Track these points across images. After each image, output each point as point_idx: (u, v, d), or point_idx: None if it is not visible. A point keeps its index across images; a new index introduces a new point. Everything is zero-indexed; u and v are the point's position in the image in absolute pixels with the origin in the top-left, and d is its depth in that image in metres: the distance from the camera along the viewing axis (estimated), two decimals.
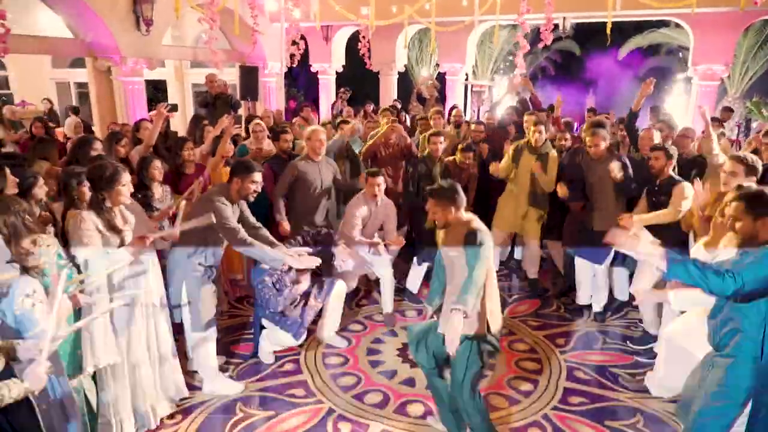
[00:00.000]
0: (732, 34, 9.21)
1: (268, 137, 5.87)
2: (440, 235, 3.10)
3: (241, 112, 9.93)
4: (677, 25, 12.32)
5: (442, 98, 9.80)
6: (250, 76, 9.65)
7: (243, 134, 6.63)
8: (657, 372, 3.62)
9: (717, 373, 2.47)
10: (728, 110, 9.48)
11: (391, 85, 11.95)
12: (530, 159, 4.94)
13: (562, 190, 4.67)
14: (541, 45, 5.99)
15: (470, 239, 2.79)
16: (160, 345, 3.33)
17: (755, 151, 4.96)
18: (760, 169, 3.43)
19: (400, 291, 5.15)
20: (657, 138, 4.76)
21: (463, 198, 2.98)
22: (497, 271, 5.72)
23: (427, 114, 8.29)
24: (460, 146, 5.36)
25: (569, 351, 4.30)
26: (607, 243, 2.47)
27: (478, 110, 10.30)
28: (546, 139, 5.01)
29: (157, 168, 4.09)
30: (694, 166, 4.76)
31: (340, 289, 4.14)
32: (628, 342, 4.38)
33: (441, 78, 11.93)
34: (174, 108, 4.43)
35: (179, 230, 3.16)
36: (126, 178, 3.01)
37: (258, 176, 3.52)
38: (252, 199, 3.61)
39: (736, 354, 2.41)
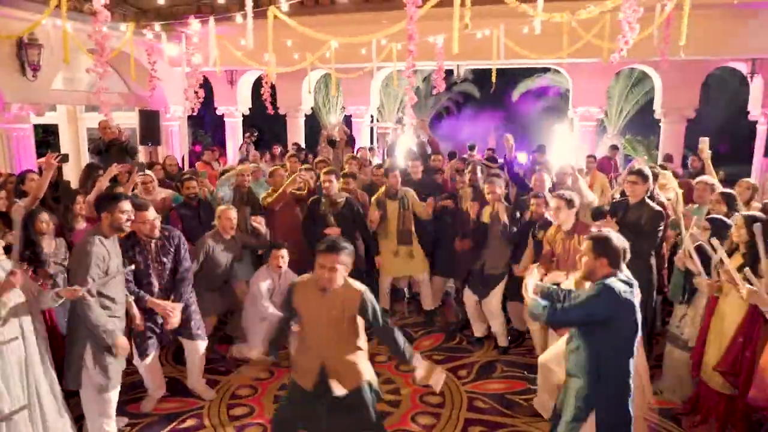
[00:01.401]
0: (603, 80, 10.30)
1: (177, 185, 5.78)
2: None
3: (143, 157, 9.62)
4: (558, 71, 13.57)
5: (352, 141, 10.08)
6: (150, 120, 9.41)
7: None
8: (540, 395, 3.91)
9: (569, 395, 2.80)
10: (614, 148, 10.50)
11: (298, 127, 12.09)
12: (393, 204, 5.37)
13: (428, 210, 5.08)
14: (435, 92, 6.36)
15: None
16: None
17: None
18: (577, 201, 4.10)
19: None
20: (548, 182, 5.20)
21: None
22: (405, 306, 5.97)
23: (339, 156, 8.50)
24: (343, 173, 5.73)
25: (470, 382, 4.50)
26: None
27: (384, 152, 10.66)
28: (397, 184, 5.44)
29: (44, 221, 3.90)
30: None
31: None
32: (524, 372, 4.65)
33: (347, 120, 12.26)
34: (65, 158, 4.21)
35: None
36: None
37: (126, 205, 3.44)
38: (127, 230, 3.53)
39: (579, 375, 2.74)
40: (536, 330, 4.53)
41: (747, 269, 3.25)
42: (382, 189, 5.55)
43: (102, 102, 4.63)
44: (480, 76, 18.26)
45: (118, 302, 3.51)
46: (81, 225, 4.50)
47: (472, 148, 9.11)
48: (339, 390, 2.97)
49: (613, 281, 2.65)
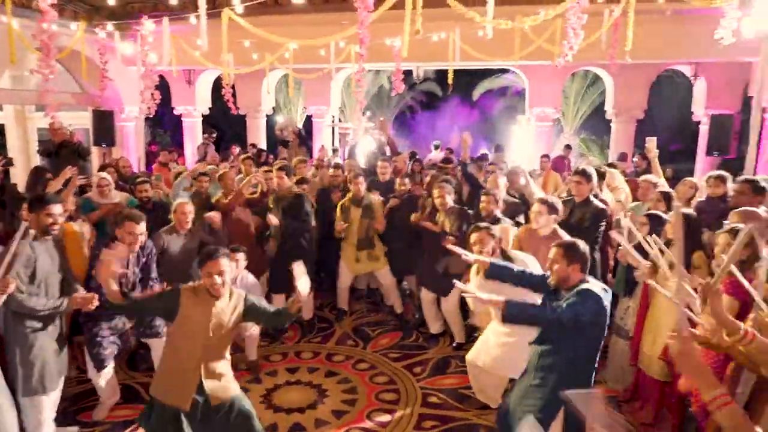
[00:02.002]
0: (557, 82, 10.62)
1: (131, 188, 5.70)
2: None
3: (97, 158, 9.40)
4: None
5: (308, 140, 10.09)
6: (104, 120, 9.22)
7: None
8: (475, 389, 4.08)
9: (532, 400, 2.85)
10: (568, 147, 10.83)
11: (259, 127, 12.01)
12: (357, 212, 5.45)
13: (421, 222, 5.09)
14: (393, 93, 6.45)
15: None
16: None
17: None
18: (561, 208, 4.08)
19: (266, 335, 5.18)
20: (503, 182, 5.34)
21: None
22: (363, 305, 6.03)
23: (292, 156, 8.50)
24: (296, 179, 5.79)
25: (425, 378, 4.61)
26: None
27: (344, 152, 10.70)
28: (365, 191, 5.54)
29: None
30: (522, 203, 5.45)
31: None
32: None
33: (309, 120, 12.25)
34: (9, 162, 4.11)
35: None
36: None
37: (54, 208, 3.41)
38: (54, 234, 3.48)
39: (548, 373, 2.80)
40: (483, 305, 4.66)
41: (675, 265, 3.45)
42: (349, 195, 5.59)
43: (48, 104, 4.52)
44: (442, 76, 18.49)
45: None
46: None
47: (437, 147, 9.26)
48: (215, 401, 2.96)
49: (592, 286, 2.73)
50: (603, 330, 2.80)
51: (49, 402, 3.49)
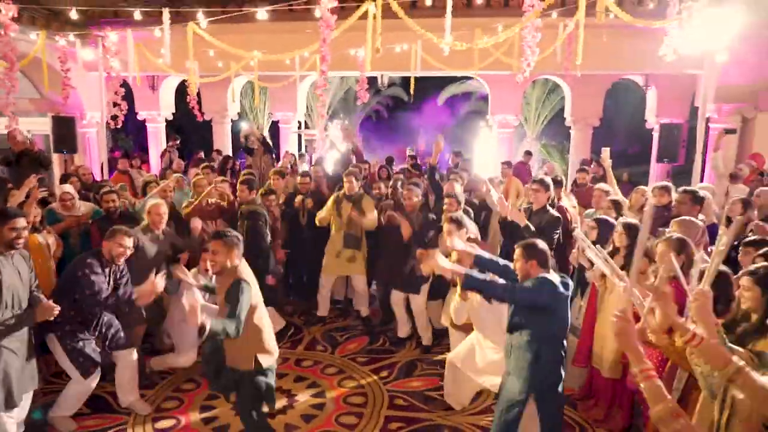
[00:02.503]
0: (518, 90, 10.95)
1: (95, 197, 5.67)
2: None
3: (57, 167, 9.22)
4: None
5: (274, 145, 10.13)
6: (65, 126, 9.05)
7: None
8: (446, 389, 4.26)
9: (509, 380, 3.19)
10: (528, 154, 11.15)
11: (225, 132, 11.97)
12: (348, 206, 5.53)
13: (406, 231, 5.20)
14: (359, 102, 6.59)
15: (234, 287, 3.26)
16: None
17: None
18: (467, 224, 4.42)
19: None
20: (458, 189, 5.58)
21: (241, 247, 3.44)
22: (331, 311, 6.14)
23: (257, 163, 8.54)
24: (261, 190, 5.85)
25: (391, 381, 4.77)
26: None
27: (311, 158, 10.79)
28: (360, 186, 5.67)
29: None
30: (483, 209, 5.68)
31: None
32: (438, 367, 4.97)
33: (275, 126, 12.28)
34: None
35: None
36: None
37: (18, 222, 3.43)
38: (18, 248, 3.48)
39: (519, 356, 3.12)
40: (453, 332, 4.86)
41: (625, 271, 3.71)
42: (343, 190, 5.72)
43: (10, 116, 4.50)
44: (408, 81, 18.81)
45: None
46: None
47: (413, 157, 9.45)
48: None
49: (551, 274, 3.08)
50: (565, 314, 3.13)
51: (13, 419, 3.48)
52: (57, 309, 3.47)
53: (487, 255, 3.54)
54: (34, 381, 3.65)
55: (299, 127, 11.94)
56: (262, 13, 5.26)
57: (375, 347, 5.48)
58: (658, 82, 10.17)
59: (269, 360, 3.52)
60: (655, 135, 10.27)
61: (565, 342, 3.18)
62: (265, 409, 3.66)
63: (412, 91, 7.48)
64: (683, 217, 3.74)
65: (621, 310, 2.01)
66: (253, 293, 3.37)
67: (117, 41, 6.40)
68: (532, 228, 4.32)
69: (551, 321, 3.09)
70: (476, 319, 3.88)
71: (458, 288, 3.73)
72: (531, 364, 3.07)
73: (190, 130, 15.87)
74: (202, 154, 10.13)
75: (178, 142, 10.26)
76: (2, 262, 3.40)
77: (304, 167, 9.96)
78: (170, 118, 12.13)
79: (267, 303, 3.72)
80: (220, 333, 3.08)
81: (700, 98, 8.72)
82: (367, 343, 5.56)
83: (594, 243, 4.24)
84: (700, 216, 4.13)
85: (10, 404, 3.42)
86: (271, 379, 3.57)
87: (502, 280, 3.26)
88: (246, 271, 3.43)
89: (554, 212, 4.68)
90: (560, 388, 3.15)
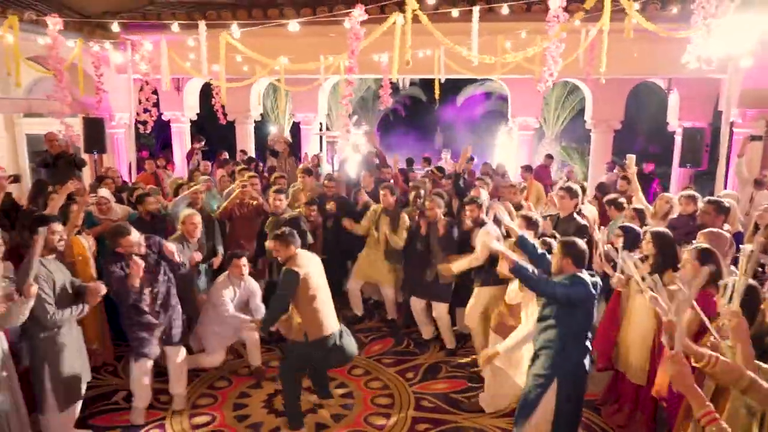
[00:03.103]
0: (539, 93, 10.90)
1: (128, 198, 5.87)
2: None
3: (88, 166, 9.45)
4: None
5: (296, 147, 10.33)
6: (95, 127, 9.29)
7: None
8: (487, 392, 4.35)
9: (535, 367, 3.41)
10: (549, 157, 11.17)
11: (248, 133, 12.15)
12: (386, 220, 5.69)
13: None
14: (382, 106, 6.71)
15: (283, 274, 3.95)
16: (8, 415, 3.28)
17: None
18: (540, 221, 4.45)
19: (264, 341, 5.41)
20: (485, 195, 5.66)
21: (299, 240, 4.09)
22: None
23: (282, 165, 8.71)
24: (303, 200, 5.99)
25: (417, 383, 4.89)
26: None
27: (333, 159, 10.93)
28: (395, 200, 5.78)
29: None
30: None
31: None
32: (467, 368, 5.08)
33: (296, 127, 12.43)
34: (17, 179, 4.28)
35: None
36: None
37: (57, 226, 3.67)
38: (61, 249, 3.72)
39: (546, 347, 3.33)
40: (477, 333, 4.97)
41: (655, 276, 3.77)
42: (381, 205, 5.84)
43: (66, 125, 4.74)
44: (427, 81, 18.86)
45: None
46: None
47: (427, 161, 9.56)
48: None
49: (584, 274, 3.28)
50: (592, 312, 3.35)
51: (75, 413, 3.71)
52: (104, 289, 3.73)
53: (530, 240, 3.81)
54: (88, 373, 3.86)
55: (320, 129, 12.08)
56: (293, 25, 5.38)
57: (400, 349, 5.60)
58: (681, 85, 10.12)
59: (317, 335, 3.99)
60: (678, 138, 10.23)
61: (589, 335, 3.38)
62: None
63: (437, 96, 7.54)
64: (711, 229, 3.80)
65: (674, 354, 2.06)
66: (309, 278, 3.95)
67: (145, 45, 6.57)
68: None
69: (579, 316, 3.31)
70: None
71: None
72: (558, 353, 3.30)
73: (212, 131, 16.10)
74: (226, 155, 10.32)
75: (203, 143, 10.45)
76: (50, 264, 3.59)
77: (325, 166, 10.15)
78: (194, 118, 12.35)
79: None
80: (269, 321, 4.13)
81: (723, 102, 8.71)
82: (392, 345, 5.68)
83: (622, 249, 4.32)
84: (726, 225, 4.17)
85: (76, 397, 3.65)
86: (320, 355, 4.06)
87: (544, 275, 3.48)
88: (301, 261, 4.00)
89: (581, 220, 4.75)
90: (584, 381, 3.38)
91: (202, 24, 5.02)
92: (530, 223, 4.36)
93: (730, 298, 2.47)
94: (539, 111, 11.32)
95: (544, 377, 3.34)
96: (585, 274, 3.29)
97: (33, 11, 7.46)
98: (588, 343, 3.38)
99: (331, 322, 4.06)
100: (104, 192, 5.56)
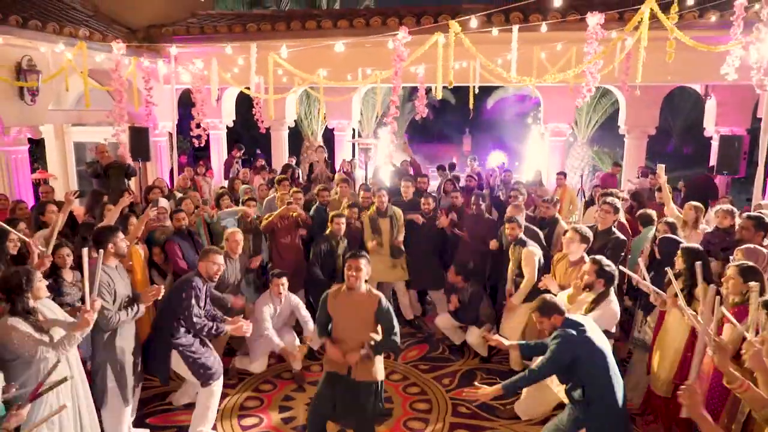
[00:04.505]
0: (572, 98, 10.90)
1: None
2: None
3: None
4: None
5: (329, 152, 10.65)
6: (140, 136, 9.68)
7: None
8: (523, 400, 4.48)
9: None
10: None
11: (283, 139, 12.47)
12: (385, 222, 5.99)
13: None
14: (417, 117, 6.88)
15: (384, 308, 3.71)
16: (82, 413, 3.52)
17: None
18: (591, 237, 4.51)
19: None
20: (522, 208, 5.78)
21: None
22: None
23: (319, 176, 8.94)
24: (346, 203, 6.32)
25: (453, 389, 5.04)
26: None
27: (366, 166, 11.11)
28: (388, 203, 6.09)
29: (65, 255, 4.32)
30: (548, 224, 5.88)
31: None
32: (497, 378, 5.20)
33: (329, 133, 12.69)
34: (82, 194, 4.62)
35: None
36: (38, 275, 3.27)
37: (121, 235, 3.99)
38: (124, 256, 4.07)
39: (573, 404, 3.40)
40: (515, 348, 5.09)
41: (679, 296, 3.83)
42: (372, 209, 6.13)
43: (121, 143, 5.08)
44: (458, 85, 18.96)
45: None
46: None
47: (442, 168, 9.67)
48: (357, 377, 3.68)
49: (567, 329, 3.30)
50: (598, 354, 3.28)
51: (129, 410, 3.98)
52: (161, 290, 4.00)
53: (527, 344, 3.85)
54: (141, 377, 4.14)
55: (354, 137, 12.29)
56: (339, 46, 5.61)
57: (435, 355, 5.76)
58: (718, 90, 10.00)
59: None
60: (714, 144, 10.10)
61: (612, 374, 3.32)
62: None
63: (471, 105, 7.67)
64: (749, 245, 3.84)
65: (689, 384, 2.26)
66: None
67: (197, 63, 6.89)
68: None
69: (587, 366, 3.26)
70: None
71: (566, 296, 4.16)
72: (582, 409, 3.32)
73: (246, 137, 16.53)
74: (263, 162, 10.62)
75: (243, 152, 10.77)
76: (111, 272, 3.87)
77: (358, 172, 10.35)
78: (231, 125, 12.72)
79: None
80: (390, 348, 3.83)
81: (764, 108, 8.56)
82: (427, 351, 5.84)
83: (659, 262, 4.39)
84: (765, 240, 4.19)
85: (132, 393, 3.96)
86: None
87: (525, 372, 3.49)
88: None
89: (620, 235, 4.78)
90: (617, 427, 3.33)
91: (253, 46, 5.30)
92: (583, 238, 4.51)
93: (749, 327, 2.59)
94: (572, 117, 11.31)
95: (574, 422, 3.37)
96: (569, 326, 3.31)
97: (86, 28, 7.86)
98: (616, 382, 3.31)
99: None
100: (163, 201, 5.86)
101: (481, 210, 6.26)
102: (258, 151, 17.41)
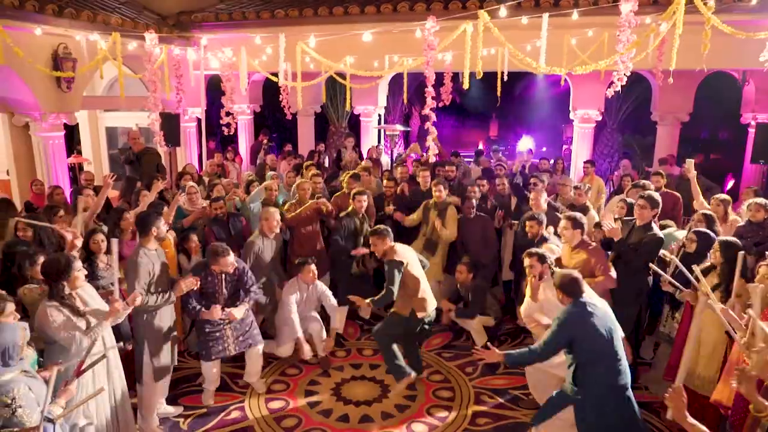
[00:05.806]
0: (602, 85, 10.70)
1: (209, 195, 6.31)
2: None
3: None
4: None
5: (356, 138, 10.73)
6: (170, 123, 9.85)
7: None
8: (543, 389, 4.49)
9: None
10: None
11: (309, 126, 12.56)
12: (434, 214, 5.91)
13: None
14: (441, 104, 6.84)
15: (388, 265, 4.50)
16: (116, 390, 3.70)
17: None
18: (584, 222, 4.57)
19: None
20: (543, 199, 5.68)
21: (392, 234, 4.63)
22: None
23: (349, 161, 8.99)
24: (385, 174, 6.49)
25: (476, 378, 5.09)
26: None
27: (392, 152, 11.13)
28: (446, 196, 5.98)
29: (99, 240, 4.48)
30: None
31: None
32: (519, 368, 5.22)
33: (354, 118, 12.71)
34: (119, 178, 4.80)
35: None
36: (78, 264, 3.41)
37: (160, 223, 4.15)
38: (164, 236, 4.32)
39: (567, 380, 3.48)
40: (534, 327, 5.08)
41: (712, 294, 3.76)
42: (433, 199, 6.10)
43: (154, 130, 5.25)
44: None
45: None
46: (127, 236, 4.99)
47: (479, 153, 9.60)
48: None
49: (571, 308, 3.37)
50: (597, 337, 3.29)
51: (166, 384, 4.25)
52: (197, 282, 4.19)
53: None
54: (175, 358, 4.31)
55: (379, 122, 12.27)
56: (367, 35, 5.63)
57: (458, 344, 5.80)
58: (757, 76, 9.65)
59: (422, 314, 4.61)
60: (751, 132, 9.79)
61: (617, 354, 3.34)
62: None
63: (498, 93, 7.60)
64: None
65: (675, 389, 2.40)
66: (410, 267, 4.55)
67: (226, 52, 6.97)
68: None
69: (585, 347, 3.32)
70: (551, 315, 4.09)
71: (528, 289, 4.24)
72: (572, 385, 3.41)
73: (273, 123, 16.64)
74: (290, 147, 10.72)
75: (268, 138, 10.89)
76: (151, 255, 4.03)
77: (384, 158, 10.37)
78: (258, 110, 12.84)
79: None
80: (379, 303, 4.54)
81: None
82: (451, 339, 5.89)
83: (693, 255, 4.32)
84: None
85: (166, 371, 4.19)
86: (412, 329, 4.69)
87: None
88: (400, 251, 4.58)
89: (658, 232, 4.59)
90: (607, 415, 3.34)
91: (282, 37, 5.33)
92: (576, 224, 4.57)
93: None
94: (602, 103, 11.06)
95: (564, 398, 3.46)
96: (575, 304, 3.36)
97: (119, 15, 7.99)
98: (621, 367, 3.35)
99: (430, 306, 4.68)
100: (191, 183, 5.99)
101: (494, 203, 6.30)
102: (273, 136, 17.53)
